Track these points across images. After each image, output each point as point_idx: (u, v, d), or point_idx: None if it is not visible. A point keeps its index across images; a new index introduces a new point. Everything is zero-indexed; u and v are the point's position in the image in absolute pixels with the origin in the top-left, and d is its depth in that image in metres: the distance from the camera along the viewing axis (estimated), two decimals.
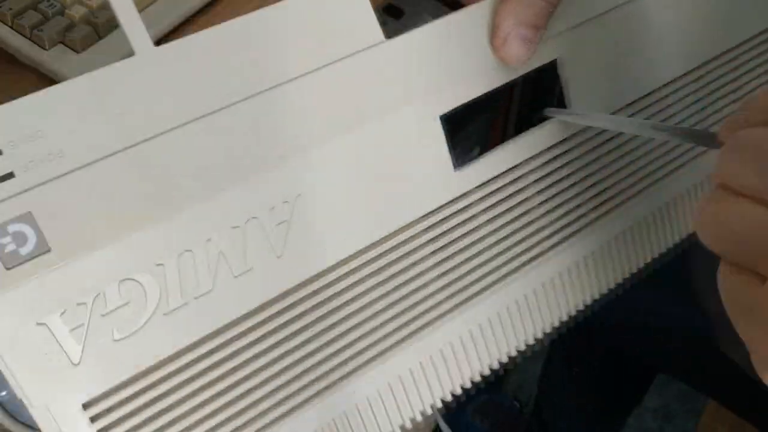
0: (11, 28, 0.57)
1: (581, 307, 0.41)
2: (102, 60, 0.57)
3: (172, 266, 0.28)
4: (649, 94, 0.41)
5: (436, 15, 0.55)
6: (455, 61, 0.34)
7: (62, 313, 0.26)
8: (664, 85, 0.41)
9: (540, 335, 0.40)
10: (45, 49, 0.57)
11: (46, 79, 0.57)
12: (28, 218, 0.26)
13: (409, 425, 0.37)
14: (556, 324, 0.41)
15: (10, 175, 0.25)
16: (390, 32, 0.33)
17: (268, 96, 0.30)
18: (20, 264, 0.26)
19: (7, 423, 0.42)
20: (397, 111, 0.33)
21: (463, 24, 0.34)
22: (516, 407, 0.98)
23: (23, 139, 0.26)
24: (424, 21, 0.55)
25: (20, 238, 0.25)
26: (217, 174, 0.29)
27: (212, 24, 0.57)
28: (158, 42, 0.27)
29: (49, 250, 0.26)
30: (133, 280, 0.28)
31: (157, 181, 0.28)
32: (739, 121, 0.27)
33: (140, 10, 0.27)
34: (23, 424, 0.42)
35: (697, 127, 0.40)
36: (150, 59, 0.27)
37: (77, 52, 0.57)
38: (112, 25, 0.57)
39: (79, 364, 0.27)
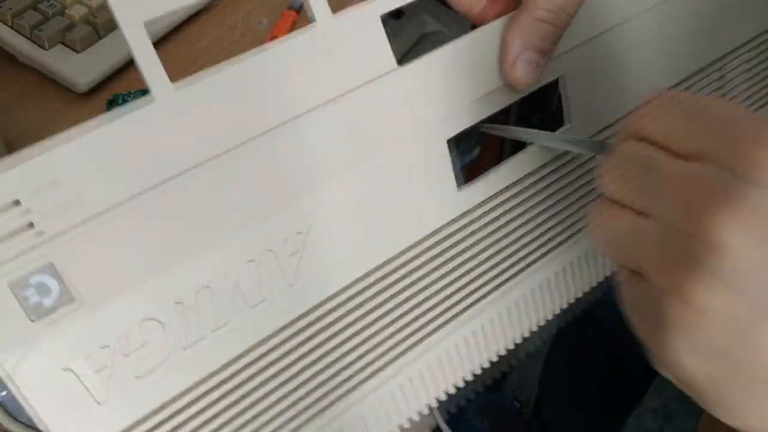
0: (11, 28, 0.57)
1: (572, 301, 0.43)
2: (102, 60, 0.57)
3: (190, 303, 0.29)
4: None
5: (436, 15, 0.55)
6: (463, 85, 0.35)
7: (87, 358, 0.27)
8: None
9: (534, 328, 0.42)
10: (45, 49, 0.57)
11: (47, 79, 0.58)
12: (50, 269, 0.26)
13: (407, 425, 0.38)
14: (548, 318, 0.42)
15: (29, 226, 0.25)
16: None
17: (281, 131, 0.30)
18: (44, 316, 0.26)
19: (7, 423, 0.42)
20: (406, 137, 0.34)
21: (471, 48, 0.34)
22: (516, 407, 0.97)
23: (41, 188, 0.25)
24: (424, 21, 0.55)
25: (43, 290, 0.25)
26: (237, 212, 0.30)
27: (212, 24, 0.57)
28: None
29: (72, 300, 0.26)
30: (154, 319, 0.28)
31: (177, 224, 0.28)
32: (622, 134, 0.28)
33: None
34: (23, 424, 0.42)
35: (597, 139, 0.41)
36: (169, 104, 0.27)
37: (77, 52, 0.57)
38: (112, 25, 0.56)
39: (103, 403, 0.28)
